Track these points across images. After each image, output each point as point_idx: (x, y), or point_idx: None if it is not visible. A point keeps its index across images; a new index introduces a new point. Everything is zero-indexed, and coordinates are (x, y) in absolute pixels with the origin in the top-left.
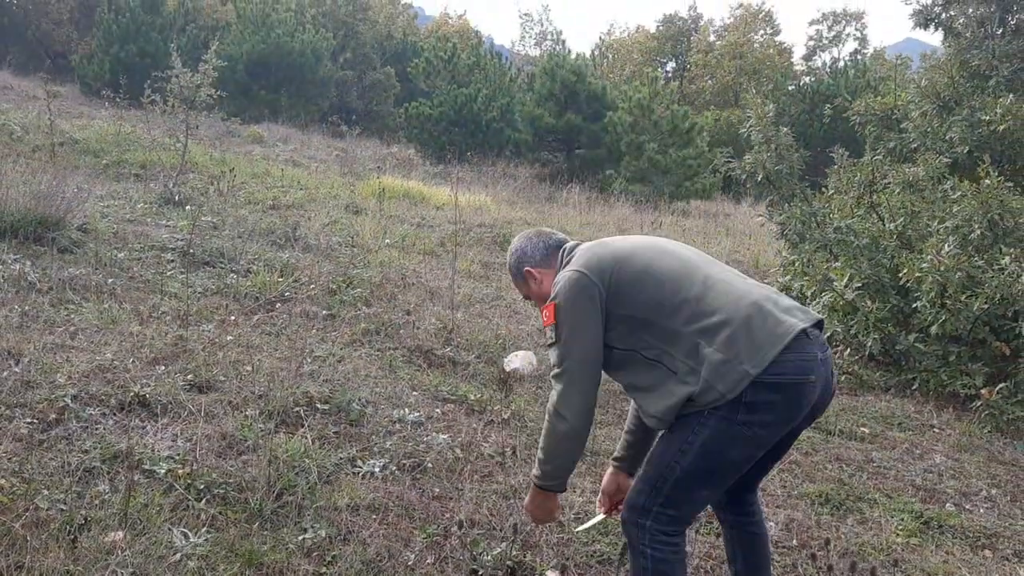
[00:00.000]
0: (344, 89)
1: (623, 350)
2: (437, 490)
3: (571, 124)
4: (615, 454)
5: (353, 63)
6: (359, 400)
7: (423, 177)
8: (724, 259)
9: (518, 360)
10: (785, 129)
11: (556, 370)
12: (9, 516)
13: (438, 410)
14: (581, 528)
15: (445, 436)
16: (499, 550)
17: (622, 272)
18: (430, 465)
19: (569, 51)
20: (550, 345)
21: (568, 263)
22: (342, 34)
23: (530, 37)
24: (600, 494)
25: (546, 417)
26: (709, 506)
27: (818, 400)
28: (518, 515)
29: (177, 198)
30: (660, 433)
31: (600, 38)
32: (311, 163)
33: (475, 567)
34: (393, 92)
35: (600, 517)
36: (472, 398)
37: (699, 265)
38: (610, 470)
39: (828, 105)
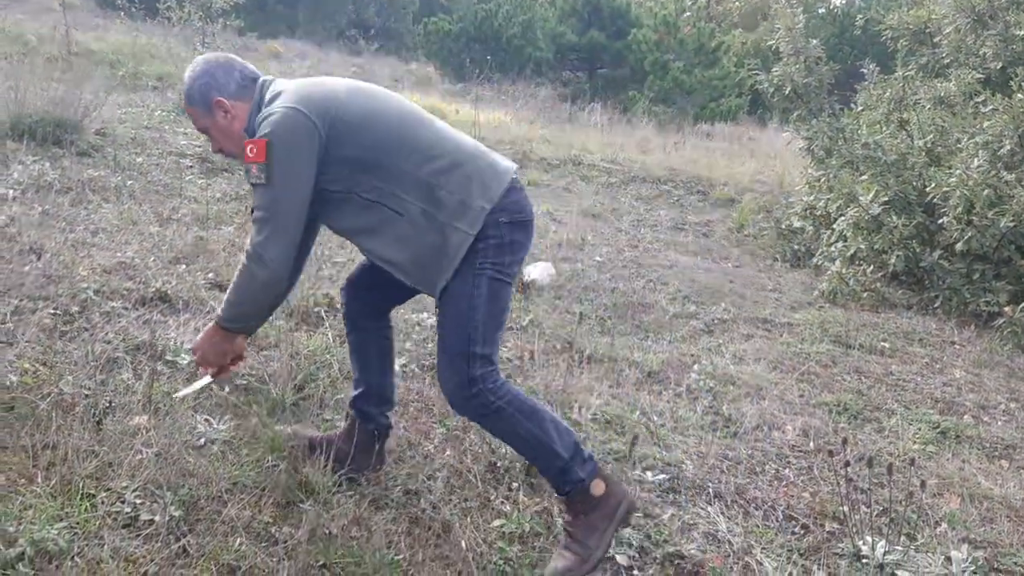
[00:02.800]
0: (361, 5)
1: (338, 192)
2: None
3: (594, 42)
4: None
5: None
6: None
7: (442, 95)
8: (747, 179)
9: (537, 270)
10: (815, 41)
11: (261, 213)
12: (35, 396)
13: None
14: (181, 394)
15: None
16: None
17: (345, 112)
18: None
19: None
20: (256, 185)
21: (274, 99)
22: None
23: None
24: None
25: (245, 260)
26: (344, 315)
27: None
28: None
29: None
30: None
31: None
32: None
33: (493, 460)
34: (412, 8)
35: (206, 380)
36: None
37: (415, 110)
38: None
39: (859, 16)
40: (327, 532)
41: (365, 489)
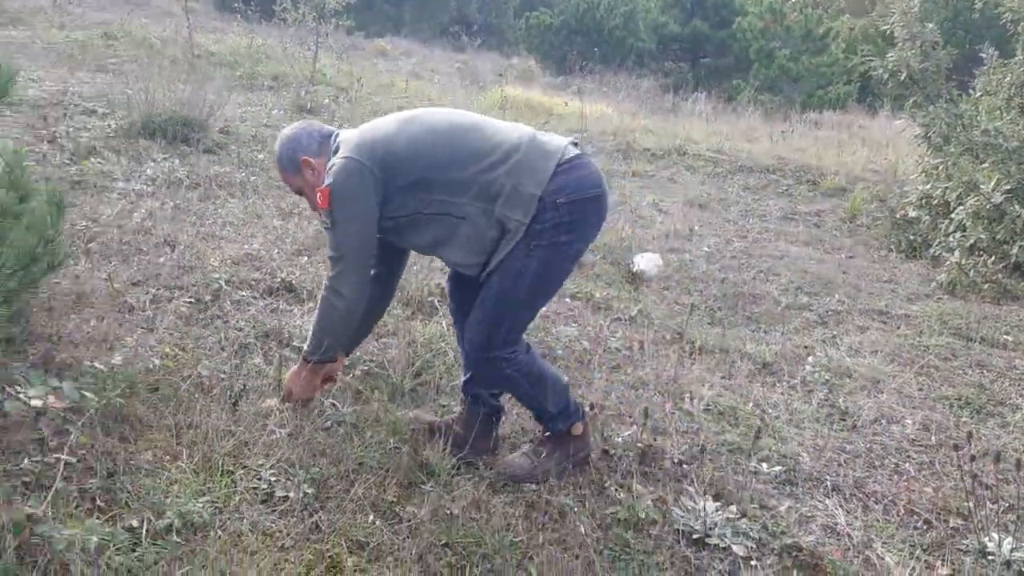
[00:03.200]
0: (464, 2)
1: (406, 215)
2: (567, 378)
3: (697, 31)
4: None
5: None
6: None
7: (544, 88)
8: (859, 168)
9: (645, 261)
10: (931, 25)
11: (333, 253)
12: (177, 378)
13: (564, 306)
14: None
15: (573, 328)
16: (629, 433)
17: (392, 148)
18: (560, 353)
19: None
20: (326, 229)
21: (337, 151)
22: None
23: None
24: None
25: (324, 296)
26: (448, 298)
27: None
28: (648, 403)
29: (309, 106)
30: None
31: None
32: (433, 75)
33: (606, 448)
34: (513, 3)
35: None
36: (598, 296)
37: (463, 118)
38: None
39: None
40: (448, 512)
41: (483, 473)
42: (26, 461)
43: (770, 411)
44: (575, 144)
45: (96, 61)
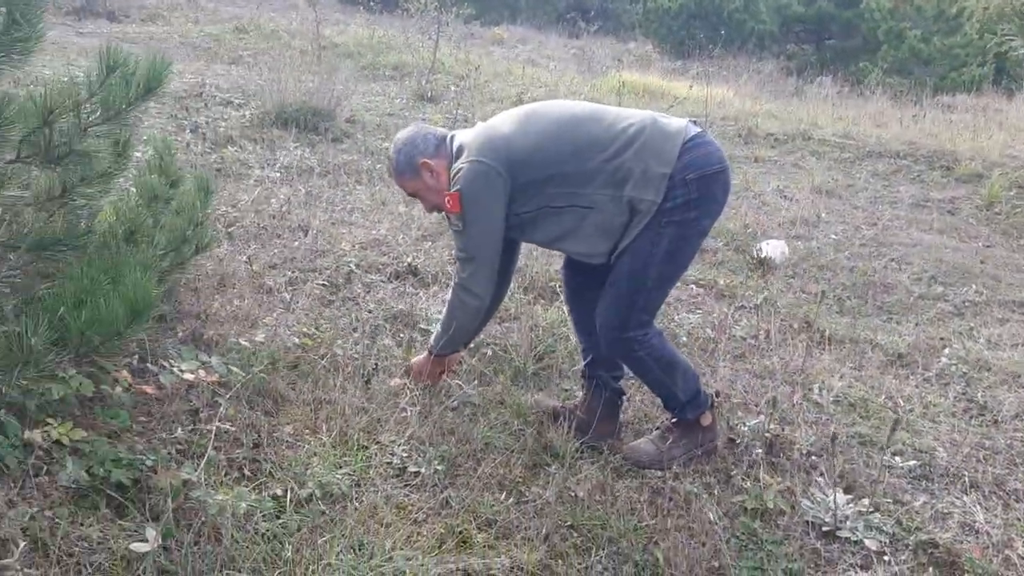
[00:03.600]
0: None
1: (530, 211)
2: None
3: (822, 12)
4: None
5: None
6: None
7: (661, 73)
8: (996, 153)
9: (770, 248)
10: None
11: (463, 254)
12: (313, 356)
13: (688, 293)
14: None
15: (697, 316)
16: (756, 422)
17: (515, 147)
18: (685, 340)
19: None
20: (456, 231)
21: (460, 153)
22: None
23: None
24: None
25: (454, 295)
26: (564, 285)
27: None
28: (775, 392)
29: (429, 94)
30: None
31: None
32: (549, 62)
33: (732, 436)
34: None
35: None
36: (722, 283)
37: (582, 108)
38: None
39: None
40: (573, 495)
41: (607, 457)
42: (179, 430)
43: (903, 404)
44: (695, 123)
45: (229, 54)
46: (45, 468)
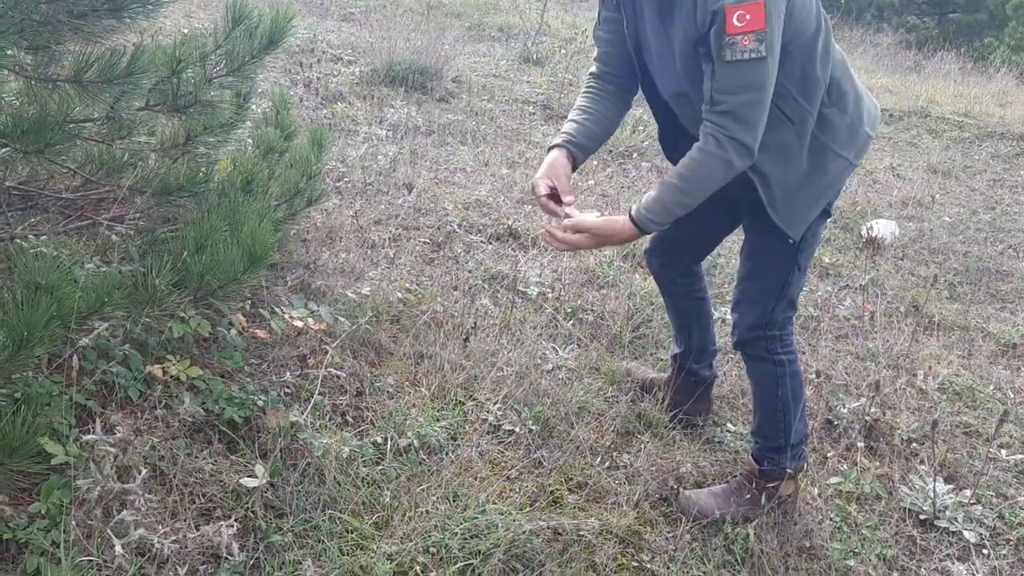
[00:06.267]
0: None
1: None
2: None
3: None
4: (570, 134)
5: None
6: (712, 254)
7: None
8: None
9: (880, 228)
10: None
11: (754, 94)
12: (415, 311)
13: None
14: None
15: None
16: (856, 404)
17: None
18: None
19: None
20: (747, 61)
21: None
22: None
23: None
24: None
25: (717, 154)
26: (656, 281)
27: None
28: (877, 376)
29: (535, 57)
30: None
31: None
32: None
33: (830, 417)
34: None
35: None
36: (827, 261)
37: None
38: (563, 152)
39: None
40: (664, 467)
41: (699, 431)
42: (288, 375)
43: (1013, 396)
44: None
45: (340, 10)
46: (164, 402)
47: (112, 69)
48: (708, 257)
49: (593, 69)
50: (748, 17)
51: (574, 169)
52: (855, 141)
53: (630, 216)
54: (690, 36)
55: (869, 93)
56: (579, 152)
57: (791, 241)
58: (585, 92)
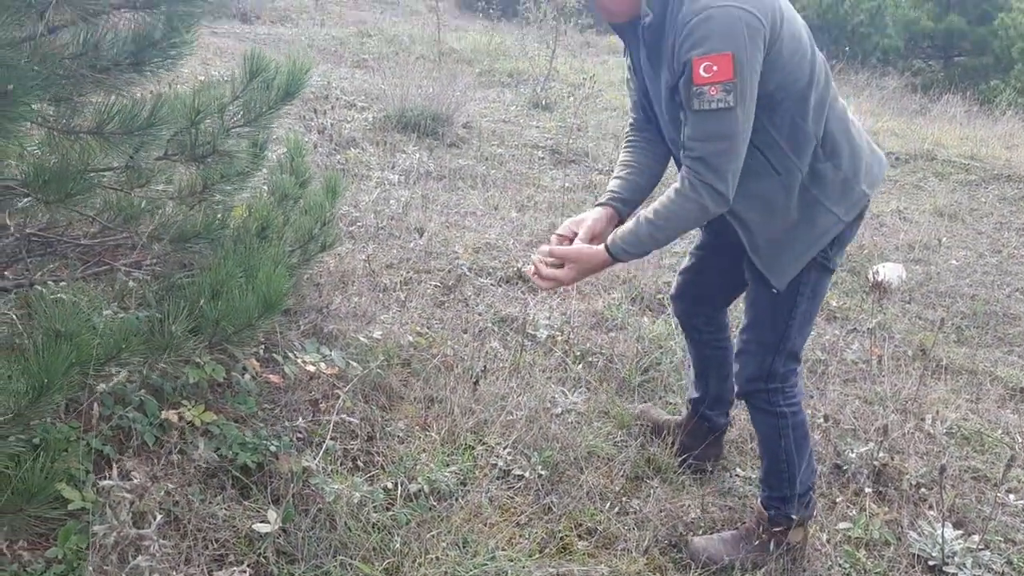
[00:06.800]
0: None
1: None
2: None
3: (952, 28)
4: (614, 191)
5: None
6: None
7: None
8: None
9: (886, 271)
10: None
11: (725, 144)
12: (426, 355)
13: None
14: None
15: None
16: (865, 449)
17: (784, 29)
18: None
19: None
20: (713, 111)
21: None
22: None
23: None
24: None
25: (691, 197)
26: (680, 326)
27: None
28: (886, 420)
29: (544, 102)
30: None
31: None
32: None
33: (839, 462)
34: None
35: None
36: (834, 304)
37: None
38: (605, 210)
39: None
40: (672, 512)
41: (708, 476)
42: (300, 419)
43: (1021, 440)
44: None
45: (354, 57)
46: (179, 447)
47: (133, 121)
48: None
49: (630, 119)
50: (715, 68)
51: (622, 222)
52: (848, 197)
53: (606, 245)
54: (669, 84)
55: (875, 149)
56: (624, 206)
57: (775, 291)
58: (625, 146)
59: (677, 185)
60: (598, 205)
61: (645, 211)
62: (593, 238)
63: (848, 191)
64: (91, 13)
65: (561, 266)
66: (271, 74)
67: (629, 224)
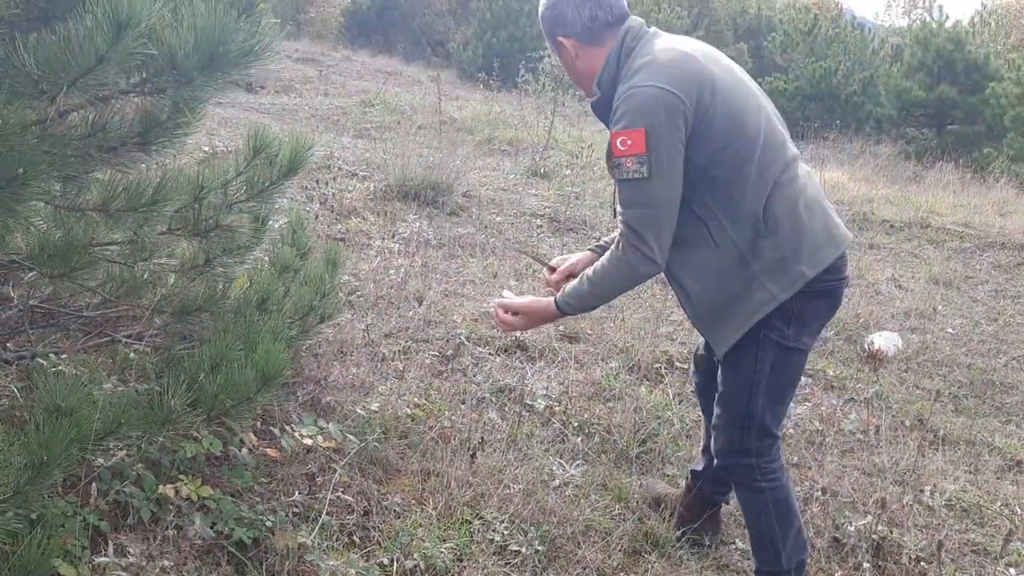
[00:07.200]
0: None
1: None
2: (796, 458)
3: (944, 97)
4: (602, 240)
5: (706, 40)
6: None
7: None
8: None
9: (882, 340)
10: None
11: (645, 211)
12: (421, 428)
13: None
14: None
15: (805, 407)
16: (863, 523)
17: (717, 106)
18: (791, 432)
19: (946, 17)
20: (630, 180)
21: (639, 67)
22: (695, 11)
23: (897, 6)
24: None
25: (623, 254)
26: (697, 398)
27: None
28: (884, 492)
29: (542, 171)
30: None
31: (982, 3)
32: None
33: (837, 536)
34: (746, 68)
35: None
36: (831, 374)
37: (777, 126)
38: (592, 255)
39: None
40: None
41: (707, 550)
42: (297, 494)
43: (1021, 512)
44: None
45: (356, 126)
46: (175, 523)
47: (138, 198)
48: None
49: None
50: (629, 142)
51: None
52: (784, 276)
53: (555, 298)
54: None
55: (833, 230)
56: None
57: (715, 359)
58: None
59: (612, 247)
60: (588, 249)
61: (588, 269)
62: (570, 276)
63: (785, 270)
64: (101, 98)
65: (516, 315)
66: (274, 150)
67: (575, 280)
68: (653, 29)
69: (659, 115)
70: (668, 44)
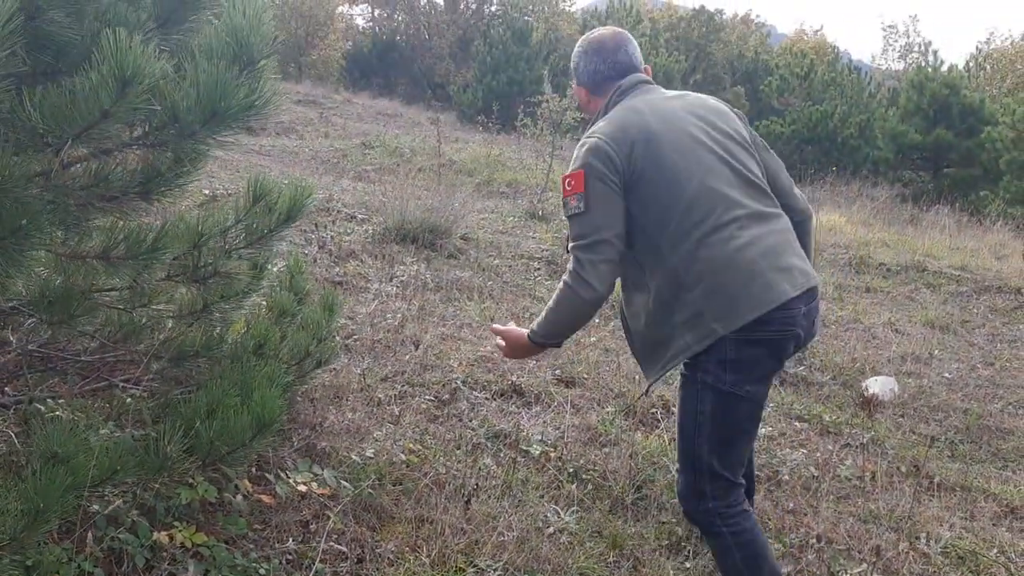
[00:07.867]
0: None
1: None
2: (791, 504)
3: (940, 140)
4: None
5: (703, 84)
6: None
7: None
8: None
9: (878, 385)
10: None
11: (584, 242)
12: (416, 475)
13: (791, 428)
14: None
15: (800, 453)
16: (859, 570)
17: (647, 160)
18: (786, 478)
19: (941, 62)
20: (572, 216)
21: (603, 120)
22: (693, 55)
23: (893, 50)
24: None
25: (568, 281)
26: None
27: (802, 342)
28: (879, 539)
29: (540, 213)
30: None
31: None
32: None
33: None
34: (743, 111)
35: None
36: (827, 419)
37: (718, 178)
38: None
39: None
40: None
41: None
42: (290, 541)
43: (1017, 560)
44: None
45: (355, 169)
46: (169, 570)
47: (138, 246)
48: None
49: None
50: (572, 182)
51: None
52: (698, 330)
53: (528, 329)
54: None
55: (760, 290)
56: None
57: (682, 410)
58: None
59: (564, 276)
60: None
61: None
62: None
63: (698, 324)
64: (104, 151)
65: (504, 340)
66: (273, 198)
67: (543, 312)
68: (648, 86)
69: (596, 160)
70: (636, 101)
